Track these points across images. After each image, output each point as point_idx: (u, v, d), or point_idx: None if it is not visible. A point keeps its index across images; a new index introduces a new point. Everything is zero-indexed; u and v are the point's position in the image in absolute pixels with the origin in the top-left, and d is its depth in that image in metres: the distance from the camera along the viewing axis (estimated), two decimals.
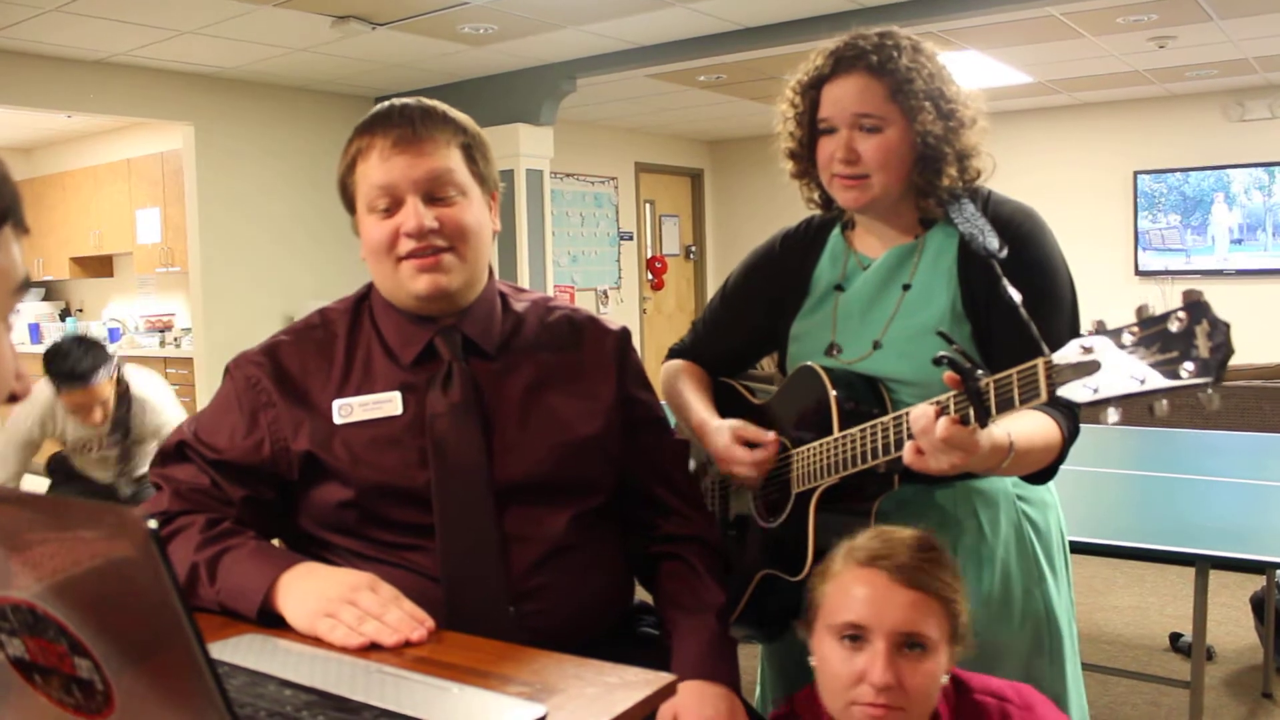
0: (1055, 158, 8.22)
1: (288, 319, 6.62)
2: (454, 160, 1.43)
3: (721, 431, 1.64)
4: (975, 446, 1.26)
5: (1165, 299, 7.92)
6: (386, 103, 1.46)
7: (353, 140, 1.45)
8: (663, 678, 1.05)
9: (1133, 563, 4.58)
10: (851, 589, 1.30)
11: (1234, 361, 1.04)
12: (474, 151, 1.46)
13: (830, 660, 1.31)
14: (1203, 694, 2.45)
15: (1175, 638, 3.79)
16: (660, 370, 1.89)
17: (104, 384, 3.49)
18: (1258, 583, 3.66)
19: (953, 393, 1.27)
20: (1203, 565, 2.40)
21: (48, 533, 0.78)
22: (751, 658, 1.71)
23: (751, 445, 1.60)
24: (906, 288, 1.61)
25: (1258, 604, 3.62)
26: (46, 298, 8.91)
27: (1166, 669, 3.58)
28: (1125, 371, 1.06)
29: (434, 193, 1.41)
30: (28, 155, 9.02)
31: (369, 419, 1.41)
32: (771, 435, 1.60)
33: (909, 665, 1.26)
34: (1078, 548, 2.14)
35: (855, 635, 1.28)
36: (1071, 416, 1.48)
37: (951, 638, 1.30)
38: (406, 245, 1.40)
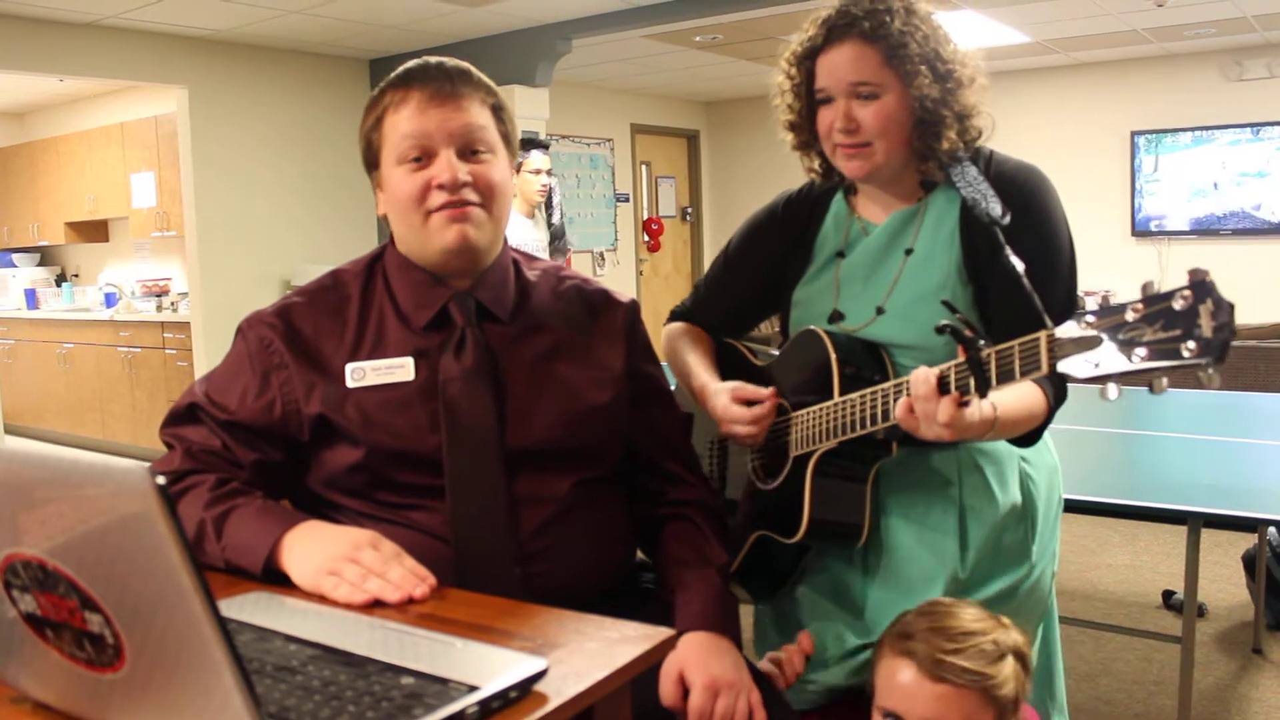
0: (1052, 118, 8.18)
1: (284, 283, 6.61)
2: (486, 118, 1.44)
3: (721, 393, 1.65)
4: (967, 429, 1.31)
5: (1161, 259, 7.92)
6: (419, 60, 1.45)
7: (383, 94, 1.45)
8: (662, 632, 1.07)
9: (1126, 521, 4.62)
10: (911, 690, 1.35)
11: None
12: (502, 114, 1.48)
13: None
14: (1194, 650, 2.48)
15: (1168, 595, 3.83)
16: (661, 333, 1.90)
17: None
18: (1249, 540, 3.69)
19: (954, 361, 1.28)
20: (1195, 523, 2.42)
21: (56, 490, 0.79)
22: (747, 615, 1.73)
23: (750, 404, 1.62)
24: (909, 252, 1.60)
25: (1249, 561, 3.65)
26: (42, 263, 8.88)
27: (1159, 625, 3.62)
28: (1127, 348, 1.06)
29: (467, 147, 1.42)
30: (20, 120, 8.96)
31: (381, 383, 1.41)
32: (769, 391, 1.61)
33: None
34: (1071, 506, 2.15)
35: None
36: (1060, 386, 1.49)
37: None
38: (438, 198, 1.41)
